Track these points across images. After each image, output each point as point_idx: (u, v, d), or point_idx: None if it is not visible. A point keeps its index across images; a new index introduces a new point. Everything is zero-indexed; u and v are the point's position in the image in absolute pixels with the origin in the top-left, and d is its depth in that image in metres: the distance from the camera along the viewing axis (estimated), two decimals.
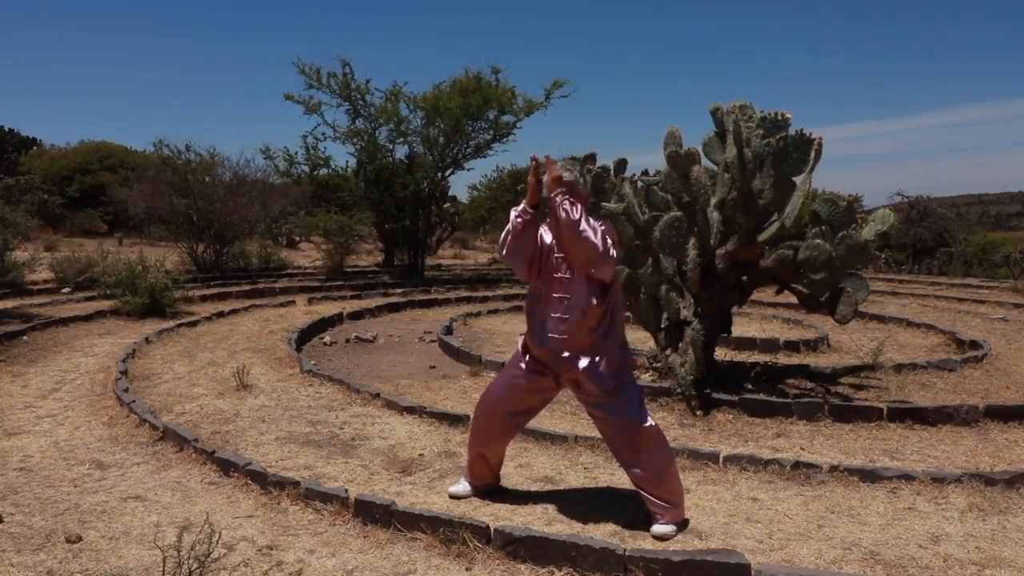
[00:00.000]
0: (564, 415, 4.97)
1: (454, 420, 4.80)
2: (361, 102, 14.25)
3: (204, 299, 10.82)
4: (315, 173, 15.15)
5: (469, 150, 14.87)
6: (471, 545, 3.00)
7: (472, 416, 3.70)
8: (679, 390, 5.13)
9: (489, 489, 3.65)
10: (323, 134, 14.80)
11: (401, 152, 15.10)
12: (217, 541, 2.78)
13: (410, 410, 5.03)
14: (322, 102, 14.35)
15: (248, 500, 3.59)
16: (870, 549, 3.07)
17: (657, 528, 3.22)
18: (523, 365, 3.43)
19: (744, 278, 5.51)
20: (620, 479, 3.82)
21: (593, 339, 3.26)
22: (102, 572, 2.88)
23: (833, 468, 3.86)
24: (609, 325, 3.29)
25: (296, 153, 14.92)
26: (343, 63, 14.03)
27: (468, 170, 15.42)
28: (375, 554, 3.03)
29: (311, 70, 14.01)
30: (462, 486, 3.65)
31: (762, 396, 5.09)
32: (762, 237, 5.14)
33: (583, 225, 3.13)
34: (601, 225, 3.24)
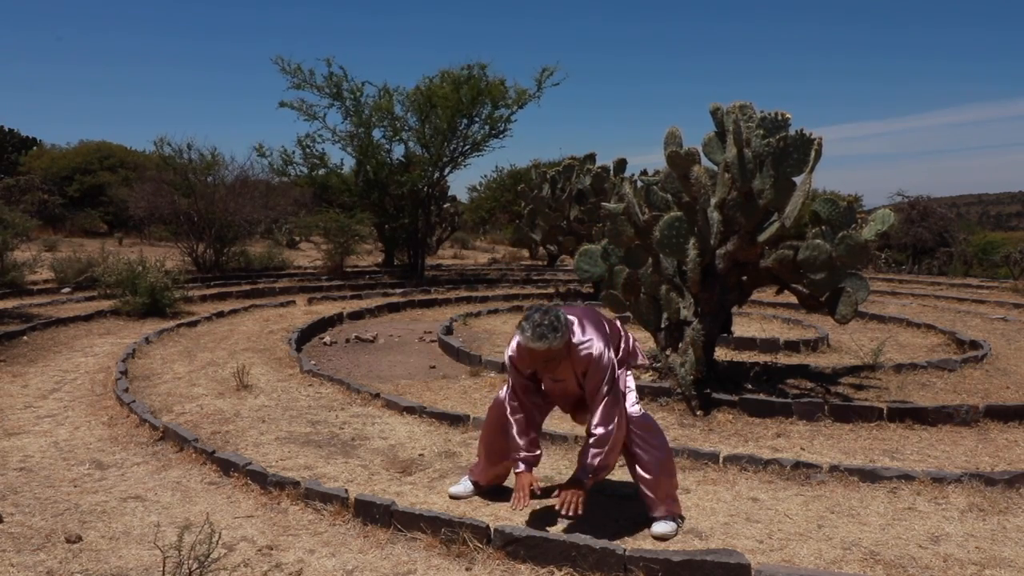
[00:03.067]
0: (564, 415, 4.95)
1: (454, 420, 4.80)
2: (352, 100, 14.24)
3: (204, 299, 10.82)
4: (313, 173, 15.14)
5: (466, 147, 14.86)
6: (471, 545, 3.00)
7: (485, 416, 3.69)
8: (679, 390, 5.13)
9: (494, 488, 3.65)
10: (321, 136, 14.82)
11: (399, 151, 15.12)
12: (217, 541, 2.78)
13: (410, 410, 5.03)
14: (312, 104, 14.37)
15: (248, 500, 3.59)
16: (870, 549, 3.07)
17: (658, 527, 3.22)
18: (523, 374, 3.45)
19: (744, 278, 5.51)
20: (620, 479, 3.82)
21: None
22: (102, 572, 2.88)
23: (833, 468, 3.86)
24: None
25: (293, 153, 14.94)
26: (327, 62, 14.07)
27: (465, 167, 15.37)
28: (375, 554, 3.03)
29: (291, 67, 14.01)
30: (463, 486, 3.64)
31: (762, 396, 5.09)
32: (762, 237, 5.14)
33: (613, 451, 3.19)
34: (604, 364, 3.18)
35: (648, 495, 3.28)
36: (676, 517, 3.29)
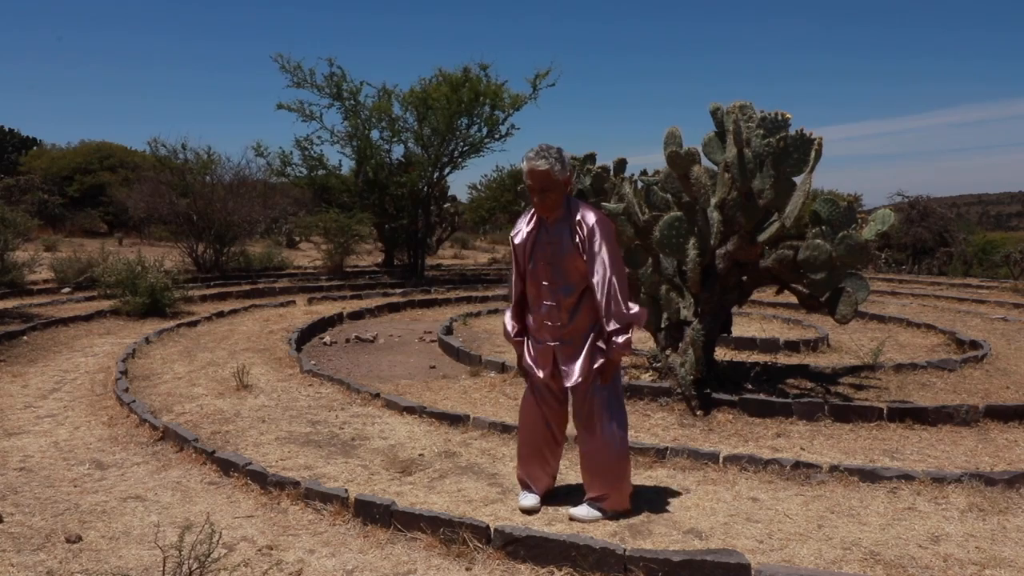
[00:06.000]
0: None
1: (454, 420, 4.80)
2: (352, 101, 14.26)
3: (204, 299, 10.83)
4: (312, 175, 15.16)
5: (465, 148, 14.87)
6: (471, 545, 3.00)
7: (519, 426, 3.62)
8: (679, 390, 5.13)
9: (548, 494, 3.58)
10: (319, 137, 14.84)
11: (398, 152, 15.14)
12: (217, 541, 2.77)
13: (410, 410, 5.03)
14: (311, 103, 14.40)
15: (248, 500, 3.59)
16: (870, 549, 3.07)
17: (576, 510, 3.32)
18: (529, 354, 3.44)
19: (744, 278, 5.50)
20: None
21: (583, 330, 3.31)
22: (102, 572, 2.88)
23: (833, 468, 3.86)
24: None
25: (291, 154, 14.95)
26: (330, 62, 14.10)
27: (463, 168, 15.45)
28: (375, 554, 3.03)
29: (291, 65, 14.03)
30: (529, 499, 3.49)
31: (762, 396, 5.09)
32: (762, 237, 5.13)
33: (630, 331, 3.22)
34: (597, 231, 3.20)
35: (590, 476, 3.34)
36: (603, 508, 3.33)
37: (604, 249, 3.18)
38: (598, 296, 3.19)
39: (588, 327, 3.29)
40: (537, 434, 3.47)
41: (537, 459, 3.50)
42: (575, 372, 3.28)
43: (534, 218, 3.33)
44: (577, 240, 3.20)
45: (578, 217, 3.22)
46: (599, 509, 3.34)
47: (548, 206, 3.23)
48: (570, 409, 3.48)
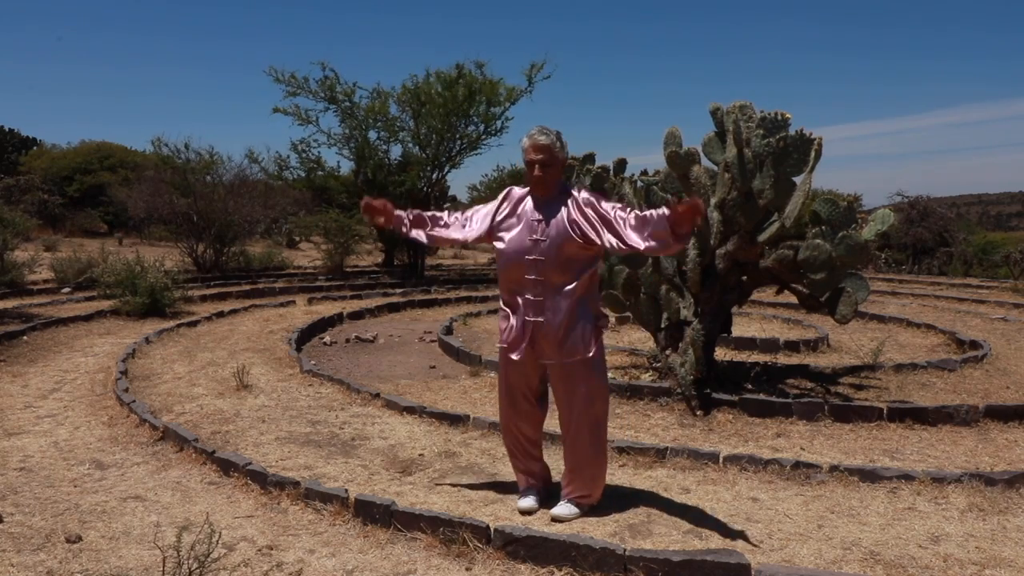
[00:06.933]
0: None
1: (454, 420, 4.80)
2: (348, 103, 14.26)
3: (204, 299, 10.82)
4: (310, 176, 15.16)
5: (463, 146, 14.88)
6: (471, 545, 3.00)
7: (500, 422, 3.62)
8: (679, 390, 5.13)
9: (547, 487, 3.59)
10: (316, 140, 14.87)
11: (396, 152, 15.15)
12: (217, 541, 2.77)
13: (410, 410, 5.03)
14: (308, 109, 14.41)
15: (248, 500, 3.59)
16: (870, 549, 3.07)
17: (558, 509, 3.33)
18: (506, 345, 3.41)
19: (744, 278, 5.51)
20: (619, 479, 3.82)
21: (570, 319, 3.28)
22: (102, 572, 2.88)
23: (833, 468, 3.86)
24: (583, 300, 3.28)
25: (288, 157, 14.96)
26: (322, 66, 14.10)
27: (461, 167, 15.49)
28: (375, 554, 3.03)
29: (285, 76, 14.03)
30: (527, 500, 3.47)
31: (762, 396, 5.09)
32: (762, 237, 5.14)
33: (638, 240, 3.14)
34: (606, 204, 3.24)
35: (573, 474, 3.35)
36: (582, 504, 3.35)
37: (613, 207, 3.22)
38: (646, 214, 3.13)
39: (576, 307, 3.24)
40: (516, 414, 3.46)
41: (520, 444, 3.50)
42: (558, 350, 3.25)
43: (524, 197, 3.35)
44: (574, 216, 3.22)
45: (573, 193, 3.28)
46: (578, 506, 3.36)
47: (547, 182, 3.26)
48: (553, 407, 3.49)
